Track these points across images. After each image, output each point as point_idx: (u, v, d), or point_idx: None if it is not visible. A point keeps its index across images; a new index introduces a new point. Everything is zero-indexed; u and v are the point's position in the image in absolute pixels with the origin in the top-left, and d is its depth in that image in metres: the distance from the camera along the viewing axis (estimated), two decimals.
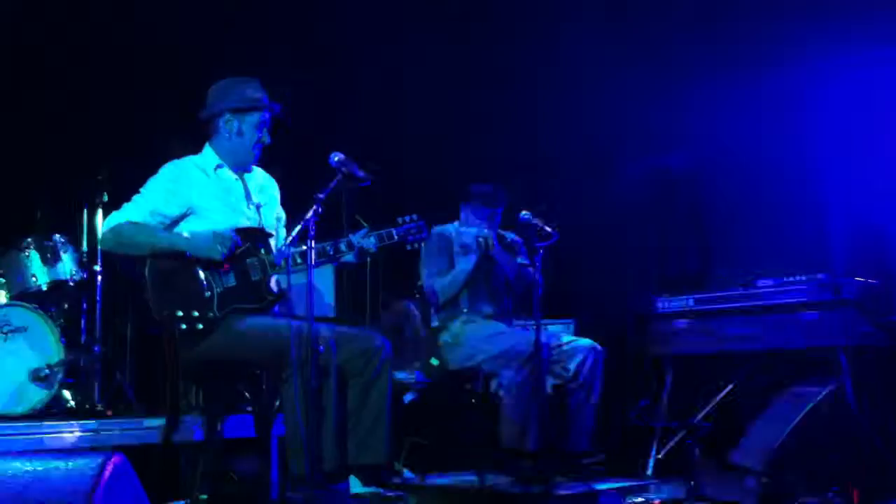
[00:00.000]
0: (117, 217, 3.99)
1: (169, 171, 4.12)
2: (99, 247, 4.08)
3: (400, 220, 4.18)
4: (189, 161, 4.18)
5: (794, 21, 7.04)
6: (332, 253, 4.10)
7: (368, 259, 4.28)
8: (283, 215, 4.39)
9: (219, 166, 4.16)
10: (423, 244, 4.95)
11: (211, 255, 3.92)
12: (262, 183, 4.35)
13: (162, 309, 3.88)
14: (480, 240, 5.12)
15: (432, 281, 5.20)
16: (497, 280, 5.30)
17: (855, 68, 7.05)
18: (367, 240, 4.10)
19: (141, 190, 4.07)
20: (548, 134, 8.60)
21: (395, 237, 4.17)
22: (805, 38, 6.99)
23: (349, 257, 4.16)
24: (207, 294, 3.91)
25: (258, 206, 4.23)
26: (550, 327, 6.12)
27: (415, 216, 4.19)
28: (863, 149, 7.04)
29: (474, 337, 5.03)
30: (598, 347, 5.06)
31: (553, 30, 8.39)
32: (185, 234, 3.96)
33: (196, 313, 3.87)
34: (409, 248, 4.22)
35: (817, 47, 7.01)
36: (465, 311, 5.17)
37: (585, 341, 5.10)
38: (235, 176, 4.19)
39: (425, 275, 5.25)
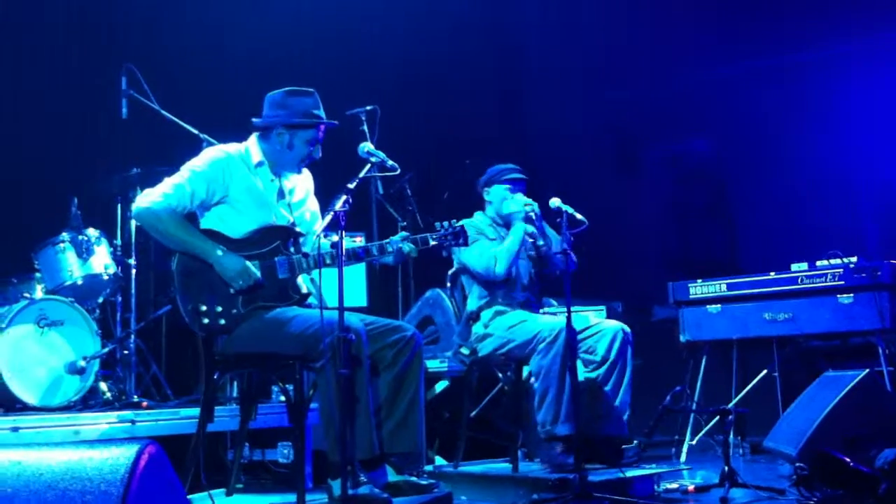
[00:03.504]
0: (156, 197, 3.98)
1: (212, 157, 4.11)
2: (133, 219, 4.08)
3: (438, 225, 4.15)
4: (232, 150, 4.18)
5: (818, 7, 6.97)
6: (362, 255, 4.10)
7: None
8: (317, 208, 4.38)
9: (260, 164, 4.16)
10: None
11: (231, 282, 3.93)
12: (297, 178, 4.34)
13: (187, 303, 3.92)
14: (528, 208, 5.09)
15: (481, 259, 5.12)
16: (531, 265, 5.28)
17: (885, 51, 6.97)
18: (405, 244, 4.09)
19: (182, 171, 4.06)
20: (573, 122, 8.59)
21: (431, 243, 4.15)
22: (832, 20, 6.91)
23: (388, 258, 4.15)
24: (232, 290, 3.94)
25: (290, 205, 4.24)
26: (581, 314, 6.11)
27: (454, 221, 4.16)
28: (885, 130, 6.95)
29: (501, 326, 5.02)
30: (626, 328, 5.02)
31: (572, 19, 8.37)
32: (219, 251, 3.93)
33: (219, 308, 3.90)
34: (444, 254, 4.20)
35: (845, 29, 6.93)
36: (499, 298, 5.15)
37: (612, 323, 5.06)
38: (273, 176, 4.20)
39: (468, 256, 5.15)
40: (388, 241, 4.11)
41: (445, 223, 4.14)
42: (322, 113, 4.17)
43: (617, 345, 4.94)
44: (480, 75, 8.53)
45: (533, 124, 9.13)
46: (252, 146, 4.19)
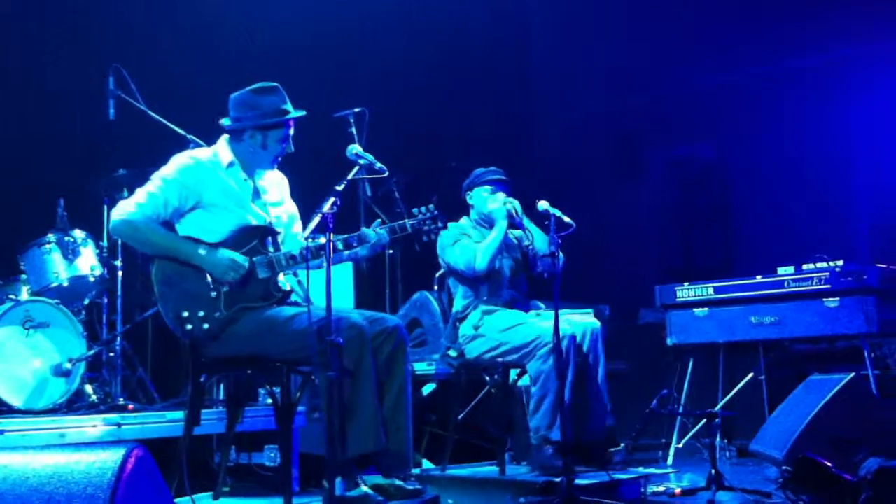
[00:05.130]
0: (129, 208, 3.97)
1: (181, 164, 4.10)
2: (109, 233, 4.06)
3: (416, 210, 4.16)
4: (200, 155, 4.17)
5: (819, 12, 6.99)
6: (341, 248, 4.09)
7: (383, 250, 4.22)
8: (295, 210, 4.38)
9: (231, 164, 4.15)
10: (439, 235, 4.96)
11: (223, 278, 3.93)
12: (272, 180, 4.34)
13: (169, 311, 3.91)
14: (509, 205, 5.12)
15: (462, 256, 5.14)
16: (515, 264, 5.29)
17: (880, 57, 6.99)
18: (378, 232, 4.09)
19: (153, 180, 4.05)
20: (572, 125, 8.60)
21: (409, 229, 4.15)
22: (828, 23, 6.94)
23: (362, 251, 4.14)
24: (213, 294, 3.93)
25: (266, 204, 4.23)
26: (569, 317, 6.12)
27: (430, 206, 4.16)
28: (887, 136, 6.98)
29: (494, 328, 5.02)
30: (596, 323, 5.04)
31: (576, 23, 8.38)
32: (202, 250, 3.93)
33: (202, 313, 3.89)
34: (425, 239, 4.20)
35: (844, 36, 6.95)
36: (484, 298, 5.16)
37: (580, 319, 5.09)
38: (245, 175, 4.19)
39: (451, 256, 5.18)
40: (364, 229, 4.09)
41: (423, 208, 4.15)
42: (289, 106, 4.16)
43: (588, 342, 4.97)
44: (479, 77, 8.52)
45: (533, 127, 9.14)
46: (221, 149, 4.18)
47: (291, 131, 4.18)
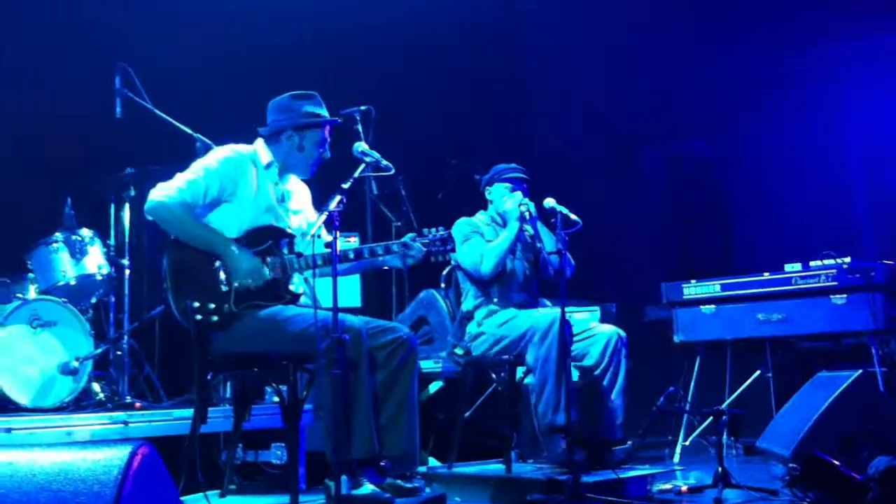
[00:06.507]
0: (170, 192, 3.98)
1: (223, 155, 4.13)
2: (145, 212, 4.05)
3: (426, 231, 4.12)
4: (243, 149, 4.20)
5: (816, 9, 6.97)
6: (381, 252, 4.06)
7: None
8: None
9: (270, 165, 4.19)
10: (451, 229, 4.95)
11: (241, 283, 3.94)
12: (296, 188, 4.38)
13: (179, 299, 3.92)
14: (523, 207, 5.09)
15: (469, 256, 5.13)
16: (528, 265, 5.28)
17: (881, 49, 6.97)
18: (416, 244, 4.05)
19: (194, 169, 4.07)
20: (570, 124, 8.59)
21: (421, 250, 4.11)
22: (826, 20, 6.92)
23: (395, 262, 4.13)
24: (225, 288, 3.94)
25: (288, 210, 4.26)
26: (575, 315, 6.11)
27: (441, 228, 4.12)
28: (885, 133, 6.96)
29: (493, 325, 5.03)
30: (621, 333, 5.01)
31: (573, 22, 8.37)
32: (234, 248, 3.95)
33: (212, 305, 3.90)
34: (432, 260, 4.14)
35: (841, 30, 6.94)
36: (495, 299, 5.15)
37: (607, 328, 5.06)
38: (278, 179, 4.23)
39: (460, 253, 5.16)
40: (395, 242, 4.09)
41: (433, 230, 4.12)
42: (325, 111, 4.21)
43: (610, 349, 4.94)
44: (480, 76, 8.51)
45: (532, 125, 9.13)
46: (260, 148, 4.22)
47: (329, 137, 4.21)
